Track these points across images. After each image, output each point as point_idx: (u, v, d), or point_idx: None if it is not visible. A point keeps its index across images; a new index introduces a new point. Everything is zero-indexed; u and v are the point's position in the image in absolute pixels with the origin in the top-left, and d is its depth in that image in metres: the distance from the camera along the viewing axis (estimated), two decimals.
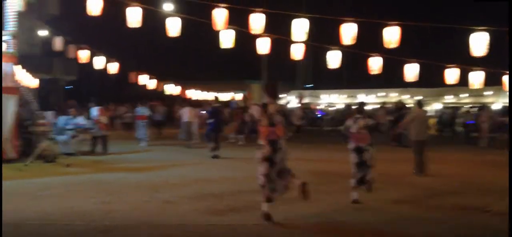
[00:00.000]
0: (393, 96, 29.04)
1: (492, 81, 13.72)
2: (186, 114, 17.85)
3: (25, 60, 15.72)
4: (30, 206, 7.20)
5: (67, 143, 13.79)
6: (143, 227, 6.19)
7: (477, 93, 25.65)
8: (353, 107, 19.41)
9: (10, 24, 12.12)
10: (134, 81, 22.60)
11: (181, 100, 26.22)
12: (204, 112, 17.81)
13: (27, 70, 19.11)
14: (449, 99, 29.96)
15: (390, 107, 20.73)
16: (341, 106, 32.73)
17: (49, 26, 19.47)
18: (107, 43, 25.05)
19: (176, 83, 27.96)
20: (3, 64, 11.85)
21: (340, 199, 7.82)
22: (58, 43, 17.30)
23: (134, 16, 10.86)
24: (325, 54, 12.36)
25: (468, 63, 11.69)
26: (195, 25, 12.14)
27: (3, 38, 12.17)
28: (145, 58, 36.46)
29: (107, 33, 29.64)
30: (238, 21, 11.33)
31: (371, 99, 31.69)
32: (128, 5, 10.76)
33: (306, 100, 34.90)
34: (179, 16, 11.45)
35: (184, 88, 29.31)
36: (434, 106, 29.80)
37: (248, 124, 6.53)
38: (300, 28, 10.88)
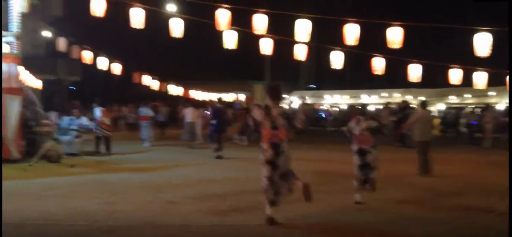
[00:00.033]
0: (396, 96, 28.96)
1: (496, 82, 13.67)
2: (189, 114, 17.88)
3: (29, 61, 15.74)
4: (35, 206, 7.23)
5: (71, 144, 13.84)
6: (147, 227, 6.21)
7: (480, 93, 25.54)
8: (357, 107, 19.38)
9: (14, 25, 12.17)
10: (137, 82, 22.66)
11: (184, 101, 26.26)
12: (207, 112, 17.85)
13: (31, 71, 19.14)
14: (453, 99, 29.85)
15: (394, 108, 20.68)
16: (344, 106, 32.68)
17: (52, 27, 19.52)
18: (111, 44, 25.15)
19: (179, 83, 28.01)
20: (8, 65, 11.91)
21: (341, 199, 7.82)
22: (61, 44, 17.37)
23: (137, 17, 10.89)
24: (328, 55, 12.37)
25: (471, 63, 11.67)
26: (198, 25, 12.17)
27: (7, 39, 12.23)
28: (148, 58, 36.51)
29: (110, 34, 29.70)
30: (241, 21, 11.35)
31: (374, 100, 31.64)
32: (131, 6, 10.80)
33: (308, 101, 34.87)
34: (182, 17, 11.48)
35: (187, 88, 29.36)
36: (438, 107, 29.72)
37: (251, 126, 6.41)
38: (303, 28, 10.88)
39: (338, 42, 11.57)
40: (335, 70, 12.79)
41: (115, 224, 6.31)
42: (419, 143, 10.97)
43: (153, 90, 24.05)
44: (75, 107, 15.58)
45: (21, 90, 12.48)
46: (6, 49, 12.19)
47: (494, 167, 12.25)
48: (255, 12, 10.78)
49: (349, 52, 12.02)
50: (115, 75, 18.99)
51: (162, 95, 26.75)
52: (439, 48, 31.42)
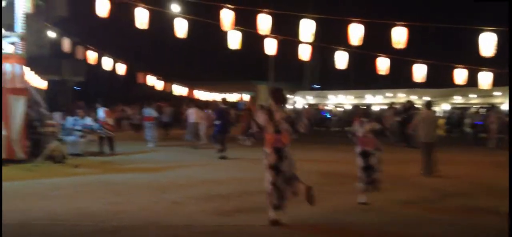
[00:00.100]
0: (401, 96, 28.85)
1: (501, 82, 13.63)
2: (192, 115, 17.89)
3: (34, 62, 15.80)
4: (40, 206, 7.26)
5: (75, 144, 13.89)
6: (151, 227, 6.22)
7: (485, 93, 25.41)
8: (360, 107, 19.34)
9: (19, 26, 12.22)
10: (141, 82, 22.72)
11: (188, 101, 26.30)
12: (210, 112, 17.87)
13: (36, 72, 19.26)
14: (458, 99, 29.71)
15: (398, 108, 20.62)
16: (348, 107, 32.60)
17: (57, 28, 19.58)
18: (115, 45, 25.20)
19: (184, 84, 28.05)
20: (12, 65, 11.94)
21: (345, 199, 7.80)
22: (66, 44, 17.45)
23: (141, 18, 10.93)
24: (332, 55, 12.36)
25: (476, 63, 11.63)
26: (202, 26, 12.19)
27: (12, 39, 12.28)
28: (152, 59, 36.59)
29: (115, 34, 29.78)
30: (245, 22, 11.36)
31: (379, 100, 31.53)
32: (135, 7, 10.83)
33: (313, 102, 34.82)
34: (186, 17, 11.50)
35: (192, 88, 29.40)
36: (442, 107, 29.60)
37: (255, 131, 6.38)
38: (307, 28, 10.88)
39: (342, 42, 11.57)
40: (339, 70, 12.78)
41: (119, 224, 6.32)
42: (424, 143, 10.93)
43: (157, 91, 24.10)
44: (79, 108, 15.63)
45: (25, 90, 12.53)
46: (11, 49, 12.24)
47: (498, 168, 12.17)
48: (259, 12, 10.78)
49: (354, 52, 12.01)
50: (119, 75, 19.06)
51: (166, 95, 26.80)
52: (444, 48, 31.28)
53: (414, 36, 10.53)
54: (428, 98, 15.28)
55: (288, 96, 33.47)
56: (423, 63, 12.11)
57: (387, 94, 30.95)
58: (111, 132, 15.19)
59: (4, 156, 11.32)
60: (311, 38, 11.05)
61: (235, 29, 11.32)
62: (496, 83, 12.26)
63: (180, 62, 39.19)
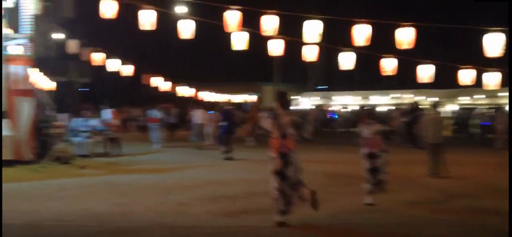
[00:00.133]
0: (407, 97, 28.77)
1: (508, 82, 13.51)
2: (198, 116, 17.92)
3: (41, 63, 15.93)
4: (46, 207, 7.30)
5: (82, 145, 13.95)
6: (157, 228, 6.23)
7: (492, 94, 25.29)
8: (366, 107, 19.23)
9: (26, 27, 12.29)
10: (147, 83, 22.78)
11: (194, 102, 26.34)
12: (214, 113, 17.89)
13: (43, 73, 19.35)
14: (464, 100, 29.59)
15: (405, 109, 20.57)
16: (354, 107, 32.56)
17: (64, 29, 19.70)
18: (121, 46, 25.29)
19: (189, 85, 28.09)
20: (20, 67, 12.02)
21: (351, 200, 7.79)
22: (73, 46, 17.52)
23: (147, 19, 10.94)
24: (338, 56, 12.33)
25: (483, 64, 11.56)
26: (207, 27, 12.19)
27: (20, 41, 12.35)
28: (158, 60, 36.68)
29: (121, 35, 29.89)
30: (250, 23, 11.35)
31: (385, 101, 31.46)
32: (141, 8, 10.85)
33: (318, 102, 34.80)
34: (191, 19, 11.51)
35: (197, 90, 29.44)
36: (449, 108, 29.48)
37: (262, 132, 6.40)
38: (312, 29, 10.86)
39: (347, 42, 11.53)
40: (345, 71, 12.74)
41: (125, 225, 6.35)
42: (430, 144, 10.89)
43: (163, 92, 24.15)
44: (86, 109, 15.70)
45: (33, 91, 12.60)
46: (18, 51, 12.32)
47: (505, 169, 12.07)
48: (265, 13, 10.77)
49: (359, 52, 11.97)
50: (125, 76, 19.12)
51: (171, 96, 26.85)
52: (450, 48, 31.15)
53: (420, 36, 10.47)
54: (435, 99, 15.22)
55: (293, 97, 33.57)
56: (430, 63, 12.06)
57: (393, 95, 30.88)
58: (117, 133, 15.24)
59: (11, 157, 11.40)
60: (316, 39, 11.03)
61: (240, 30, 11.31)
62: (504, 84, 12.17)
63: (185, 63, 39.28)
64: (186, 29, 11.38)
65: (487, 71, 11.57)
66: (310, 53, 12.74)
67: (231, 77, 38.37)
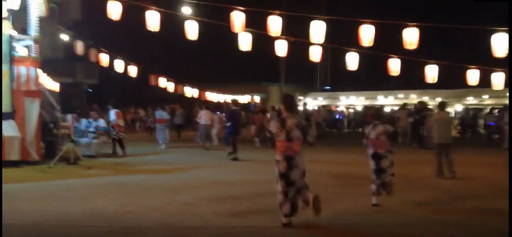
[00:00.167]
0: (413, 97, 28.64)
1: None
2: (204, 116, 17.96)
3: (48, 64, 16.02)
4: (54, 207, 7.35)
5: (89, 146, 14.03)
6: (163, 229, 6.26)
7: (499, 94, 25.12)
8: (371, 107, 19.25)
9: (33, 29, 12.38)
10: (154, 84, 22.86)
11: (200, 103, 26.41)
12: (220, 114, 17.90)
13: (50, 74, 19.47)
14: (470, 100, 29.41)
15: (411, 109, 20.50)
16: (359, 108, 32.47)
17: (71, 31, 19.81)
18: (127, 47, 25.42)
19: (195, 85, 28.16)
20: (27, 68, 12.11)
21: (357, 201, 7.78)
22: (79, 47, 17.63)
23: (153, 20, 11.01)
24: (343, 56, 12.34)
25: (490, 64, 11.52)
26: (213, 28, 12.24)
27: (26, 42, 12.45)
28: (164, 61, 36.78)
29: (127, 37, 30.03)
30: (256, 23, 11.38)
31: (391, 101, 31.33)
32: (147, 9, 10.92)
33: (324, 103, 34.73)
34: (197, 19, 11.57)
35: (203, 90, 29.50)
36: (455, 108, 29.33)
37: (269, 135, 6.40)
38: (318, 30, 10.87)
39: (353, 43, 11.53)
40: (351, 71, 12.75)
41: (132, 225, 6.38)
42: (437, 145, 10.85)
43: (169, 92, 24.22)
44: (93, 110, 15.78)
45: (40, 92, 12.70)
46: (25, 52, 12.42)
47: None
48: (270, 14, 10.79)
49: (365, 53, 11.97)
50: (131, 77, 19.20)
51: (178, 97, 26.92)
52: (456, 48, 30.98)
53: (426, 36, 10.47)
54: (441, 99, 15.17)
55: (299, 97, 33.53)
56: (436, 63, 12.04)
57: (399, 95, 30.76)
58: (122, 134, 15.30)
59: (18, 157, 11.49)
60: (322, 40, 11.04)
61: (246, 30, 11.35)
62: (506, 84, 12.12)
63: (191, 64, 39.37)
64: (192, 30, 11.43)
65: (494, 71, 11.54)
66: (316, 54, 12.76)
67: (237, 77, 38.41)
